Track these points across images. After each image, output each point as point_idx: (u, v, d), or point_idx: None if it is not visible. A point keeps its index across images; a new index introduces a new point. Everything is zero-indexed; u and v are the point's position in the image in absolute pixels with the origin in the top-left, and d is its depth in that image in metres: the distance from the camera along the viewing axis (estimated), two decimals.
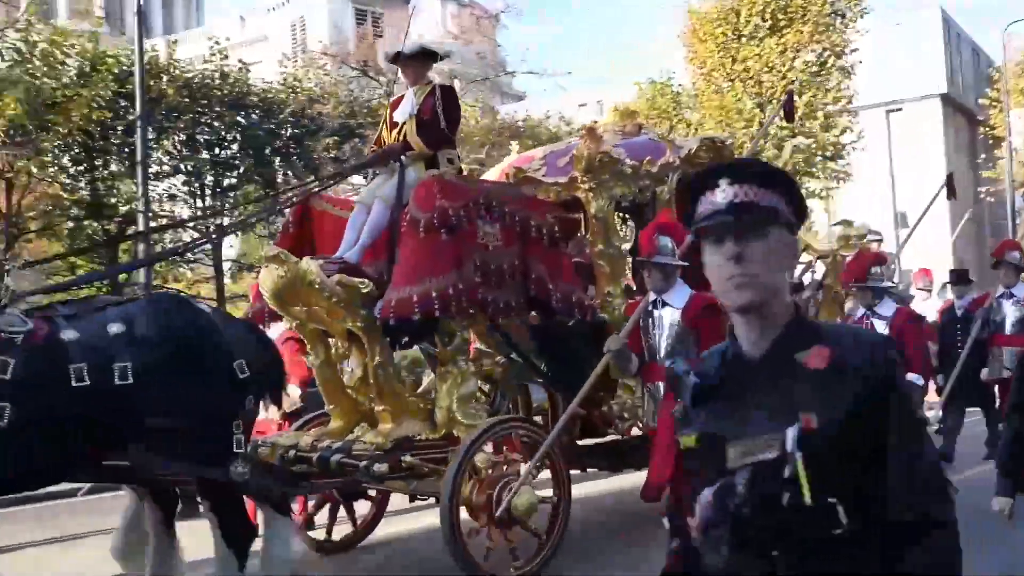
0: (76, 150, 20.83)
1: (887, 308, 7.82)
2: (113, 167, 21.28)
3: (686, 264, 7.16)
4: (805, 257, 10.41)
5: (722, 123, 27.63)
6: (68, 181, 21.12)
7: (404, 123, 7.83)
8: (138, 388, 5.48)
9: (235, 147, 22.93)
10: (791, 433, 2.19)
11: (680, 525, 2.44)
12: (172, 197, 23.07)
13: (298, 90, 24.22)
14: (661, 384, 6.97)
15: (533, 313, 7.80)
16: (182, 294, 10.09)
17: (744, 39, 28.91)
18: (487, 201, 7.40)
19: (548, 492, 7.29)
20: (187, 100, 21.32)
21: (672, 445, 5.88)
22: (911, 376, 7.51)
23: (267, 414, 9.57)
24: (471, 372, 7.46)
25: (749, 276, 2.23)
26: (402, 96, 8.05)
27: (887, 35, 37.63)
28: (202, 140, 22.67)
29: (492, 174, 9.38)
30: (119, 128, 20.55)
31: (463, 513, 6.89)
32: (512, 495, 6.90)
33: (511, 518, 6.87)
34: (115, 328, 5.65)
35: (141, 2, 19.10)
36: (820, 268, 10.43)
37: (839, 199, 31.32)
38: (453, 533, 6.68)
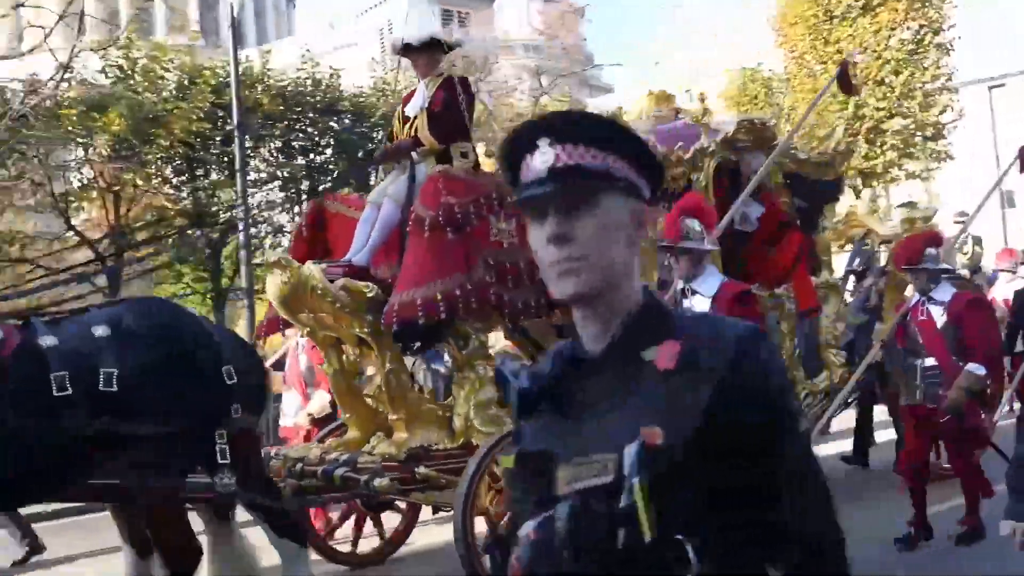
0: (178, 161, 21.53)
1: (944, 292, 7.17)
2: (213, 176, 21.98)
3: (716, 248, 6.66)
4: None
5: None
6: (171, 191, 21.84)
7: (415, 118, 7.49)
8: (125, 393, 5.23)
9: (329, 152, 23.31)
10: (629, 452, 1.71)
11: (502, 563, 1.92)
12: (271, 204, 23.43)
13: (388, 93, 24.24)
14: None
15: (558, 312, 7.39)
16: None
17: (836, 20, 27.84)
18: (500, 196, 7.01)
19: None
20: (281, 108, 21.75)
21: None
22: (971, 366, 6.89)
23: (295, 420, 9.39)
24: (490, 377, 7.08)
25: (576, 260, 1.80)
26: (415, 90, 7.71)
27: (985, 9, 36.01)
28: (297, 147, 23.16)
29: None
30: (218, 138, 21.22)
31: (483, 524, 6.54)
32: None
33: None
34: (100, 331, 5.42)
35: (235, 14, 19.46)
36: (884, 254, 9.86)
37: (940, 180, 30.04)
38: (467, 546, 6.32)
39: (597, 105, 32.42)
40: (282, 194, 23.01)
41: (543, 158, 1.85)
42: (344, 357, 7.32)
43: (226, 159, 20.85)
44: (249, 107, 20.09)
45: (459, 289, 6.57)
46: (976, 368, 6.94)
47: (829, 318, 8.96)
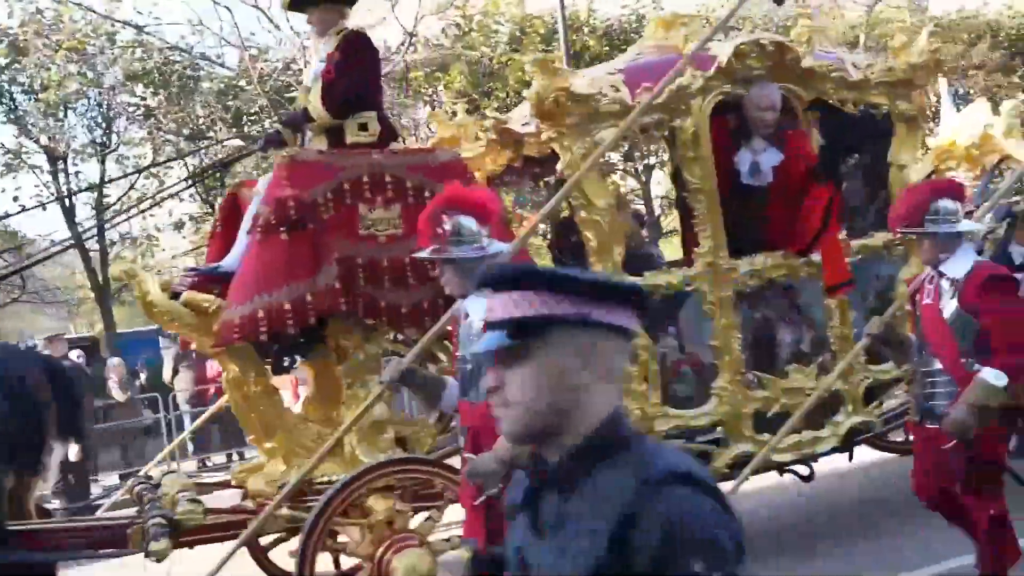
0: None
1: (958, 265, 5.10)
2: None
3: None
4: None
5: None
6: None
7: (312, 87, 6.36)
8: None
9: None
10: None
11: None
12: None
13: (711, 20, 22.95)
14: None
15: None
16: None
17: None
18: (375, 178, 5.81)
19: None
20: (607, 48, 20.98)
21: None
22: (986, 372, 4.88)
23: None
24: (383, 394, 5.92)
25: (507, 408, 1.88)
26: None
27: None
28: None
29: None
30: None
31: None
32: (394, 555, 5.45)
33: None
34: None
35: None
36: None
37: None
38: None
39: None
40: None
41: (480, 313, 2.09)
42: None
43: None
44: (577, 51, 19.84)
45: (290, 302, 5.46)
46: (992, 375, 4.91)
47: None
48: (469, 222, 4.46)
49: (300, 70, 16.91)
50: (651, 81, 6.28)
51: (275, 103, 17.88)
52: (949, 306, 5.10)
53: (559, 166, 6.24)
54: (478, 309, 4.33)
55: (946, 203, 5.12)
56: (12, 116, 19.95)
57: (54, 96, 19.02)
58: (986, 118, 8.08)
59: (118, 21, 19.53)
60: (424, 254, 4.54)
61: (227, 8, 18.59)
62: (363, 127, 6.21)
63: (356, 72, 6.22)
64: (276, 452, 6.07)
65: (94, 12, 19.32)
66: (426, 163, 6.02)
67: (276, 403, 6.00)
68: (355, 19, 6.73)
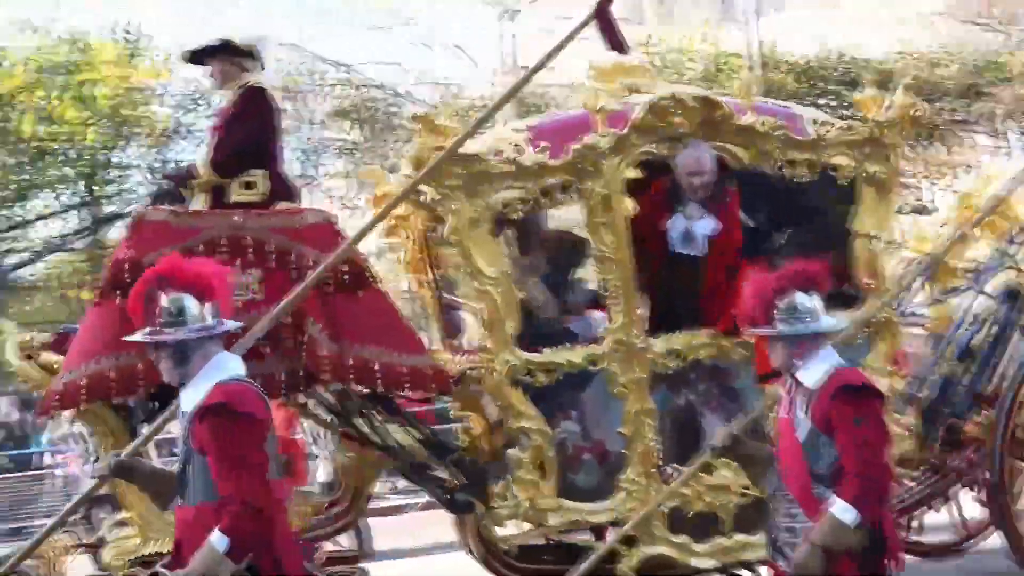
0: None
1: (815, 371, 4.18)
2: None
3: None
4: None
5: None
6: None
7: None
8: None
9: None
10: None
11: None
12: None
13: (915, 57, 22.04)
14: None
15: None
16: None
17: None
18: (234, 241, 5.47)
19: None
20: (803, 85, 20.71)
21: None
22: (836, 507, 4.03)
23: None
24: None
25: None
26: None
27: None
28: None
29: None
30: None
31: None
32: None
33: None
34: None
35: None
36: None
37: None
38: None
39: None
40: None
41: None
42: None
43: None
44: (771, 88, 18.98)
45: (117, 370, 5.18)
46: (839, 509, 4.07)
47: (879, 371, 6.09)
48: (188, 300, 3.99)
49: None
50: (557, 140, 5.77)
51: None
52: (803, 422, 4.30)
53: (444, 231, 5.76)
54: (189, 400, 3.90)
55: (800, 297, 4.32)
56: None
57: None
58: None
59: (328, 61, 20.23)
60: (136, 337, 4.07)
61: (428, 46, 19.03)
62: (249, 186, 5.90)
63: (247, 128, 5.93)
64: (132, 523, 5.75)
65: (305, 51, 20.01)
66: (292, 225, 5.63)
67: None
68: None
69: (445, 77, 20.69)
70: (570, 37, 5.46)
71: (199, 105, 19.16)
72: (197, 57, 6.23)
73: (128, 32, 20.49)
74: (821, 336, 4.35)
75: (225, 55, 6.10)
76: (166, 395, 5.18)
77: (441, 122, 5.70)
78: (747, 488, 5.72)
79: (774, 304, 4.32)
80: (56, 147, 18.88)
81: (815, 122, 6.27)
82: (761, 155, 6.01)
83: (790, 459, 4.31)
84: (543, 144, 5.76)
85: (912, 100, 6.24)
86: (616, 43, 5.55)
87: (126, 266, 5.27)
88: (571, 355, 5.81)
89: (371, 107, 20.14)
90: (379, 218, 5.85)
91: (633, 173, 5.88)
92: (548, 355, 5.79)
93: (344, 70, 20.22)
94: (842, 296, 6.21)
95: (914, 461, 6.41)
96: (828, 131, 6.13)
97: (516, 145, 5.85)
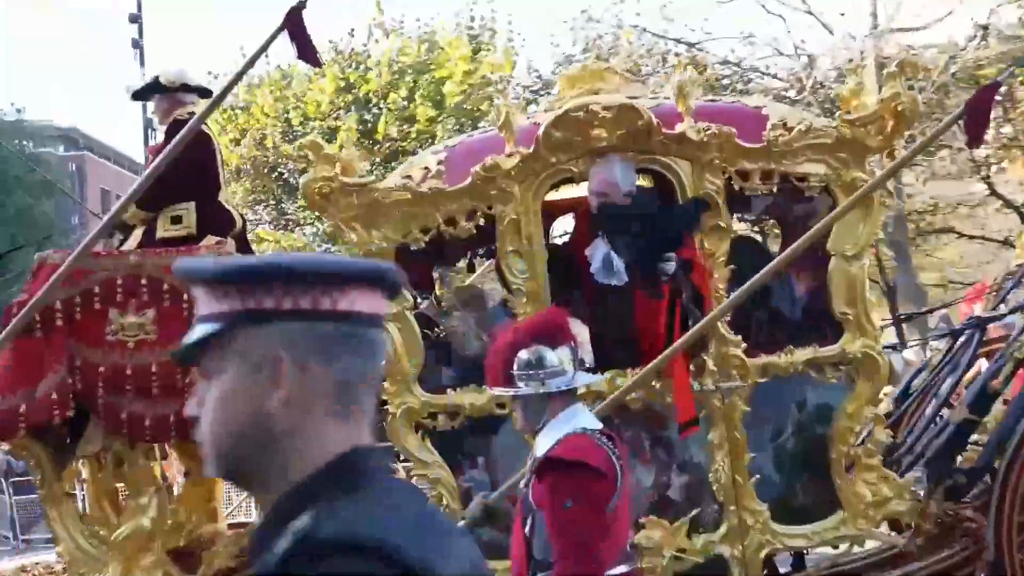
0: None
1: (548, 439, 3.56)
2: None
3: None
4: None
5: None
6: None
7: None
8: None
9: None
10: None
11: None
12: None
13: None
14: None
15: None
16: None
17: None
18: (129, 281, 5.42)
19: None
20: None
21: None
22: None
23: None
24: (152, 507, 5.52)
25: (202, 439, 1.53)
26: None
27: None
28: None
29: None
30: None
31: None
32: None
33: None
34: None
35: None
36: None
37: None
38: None
39: None
40: None
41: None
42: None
43: None
44: None
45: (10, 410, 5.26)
46: None
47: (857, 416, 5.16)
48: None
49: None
50: (468, 163, 5.28)
51: (827, 112, 16.74)
52: (527, 499, 3.69)
53: None
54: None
55: (542, 351, 3.69)
56: None
57: None
58: None
59: (672, 39, 19.95)
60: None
61: (780, 16, 19.07)
62: (176, 220, 5.85)
63: (169, 163, 5.86)
64: (61, 556, 5.83)
65: (650, 33, 19.80)
66: None
67: (63, 505, 5.73)
68: None
69: (802, 42, 19.79)
70: (264, 48, 5.11)
71: (541, 95, 19.01)
72: (140, 96, 6.26)
73: (471, 27, 21.21)
74: (565, 395, 3.69)
75: (161, 92, 6.10)
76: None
77: (330, 151, 5.35)
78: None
79: (511, 361, 3.71)
80: (406, 146, 19.20)
81: (782, 124, 5.37)
82: (703, 167, 5.22)
83: (515, 541, 3.71)
84: (440, 168, 5.29)
85: (898, 91, 5.19)
86: (308, 54, 4.93)
87: (15, 310, 5.33)
88: (475, 398, 5.29)
89: (716, 86, 18.77)
90: None
91: (551, 194, 5.30)
92: (450, 397, 5.32)
93: (688, 48, 19.59)
94: (817, 328, 5.35)
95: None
96: (782, 135, 5.22)
97: (426, 169, 5.41)
